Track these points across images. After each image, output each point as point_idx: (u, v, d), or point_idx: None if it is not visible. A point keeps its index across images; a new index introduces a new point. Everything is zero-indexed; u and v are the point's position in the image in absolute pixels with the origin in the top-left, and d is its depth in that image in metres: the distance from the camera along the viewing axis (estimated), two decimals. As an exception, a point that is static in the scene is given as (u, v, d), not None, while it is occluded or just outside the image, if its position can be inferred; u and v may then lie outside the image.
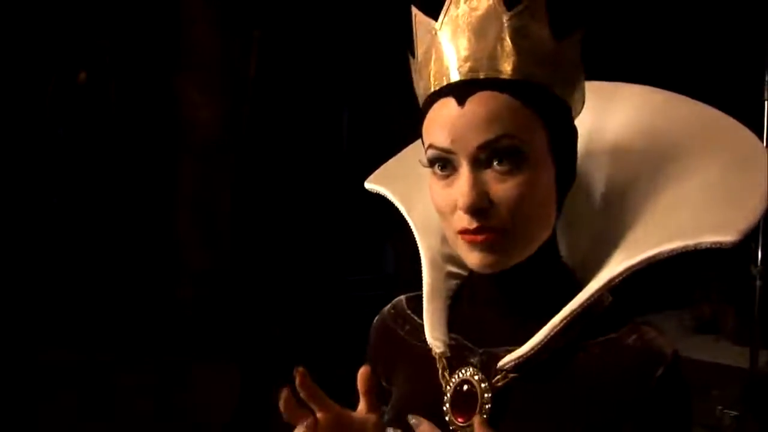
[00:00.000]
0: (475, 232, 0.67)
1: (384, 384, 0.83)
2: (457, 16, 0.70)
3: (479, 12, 0.69)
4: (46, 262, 3.31)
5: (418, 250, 0.85)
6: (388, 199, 0.93)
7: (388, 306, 0.88)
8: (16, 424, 2.77)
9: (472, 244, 0.68)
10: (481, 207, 0.66)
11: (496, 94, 0.67)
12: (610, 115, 0.82)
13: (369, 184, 0.95)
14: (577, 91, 0.74)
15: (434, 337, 0.76)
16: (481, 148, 0.66)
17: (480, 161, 0.67)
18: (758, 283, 2.29)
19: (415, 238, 0.86)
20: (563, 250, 0.78)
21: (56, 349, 3.09)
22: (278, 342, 3.59)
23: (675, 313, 3.31)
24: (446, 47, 0.70)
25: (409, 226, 0.87)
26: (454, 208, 0.68)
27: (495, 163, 0.67)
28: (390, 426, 0.77)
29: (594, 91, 0.79)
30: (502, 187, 0.67)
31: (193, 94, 3.48)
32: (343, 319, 4.07)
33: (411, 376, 0.80)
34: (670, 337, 0.71)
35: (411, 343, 0.81)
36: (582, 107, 0.76)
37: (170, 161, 3.53)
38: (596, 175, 0.80)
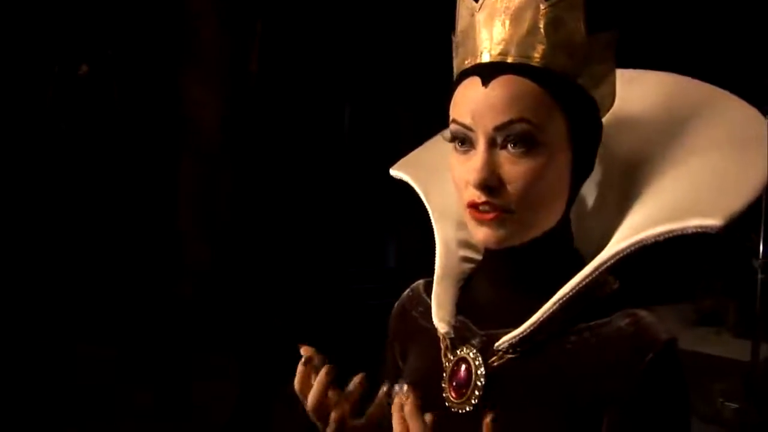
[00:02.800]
0: (482, 210, 0.70)
1: (399, 363, 0.87)
2: (497, 0, 0.72)
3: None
4: (47, 257, 3.31)
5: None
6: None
7: (407, 290, 0.91)
8: (14, 419, 2.78)
9: (479, 221, 0.71)
10: (489, 185, 0.69)
11: (520, 78, 0.69)
12: (625, 100, 0.83)
13: (393, 171, 0.98)
14: (605, 86, 0.75)
15: (440, 317, 0.78)
16: (498, 129, 0.69)
17: (496, 141, 0.70)
18: (760, 276, 2.28)
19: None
20: (579, 239, 0.79)
21: (56, 344, 3.10)
22: (278, 336, 3.60)
23: (677, 306, 3.32)
24: (482, 29, 0.72)
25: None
26: (468, 183, 0.71)
27: (510, 146, 0.69)
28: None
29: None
30: (513, 169, 0.69)
31: (196, 88, 3.47)
32: (344, 311, 4.09)
33: (419, 355, 0.83)
34: (670, 326, 0.71)
35: (422, 324, 0.83)
36: (611, 103, 0.77)
37: (171, 156, 3.53)
38: (610, 161, 0.80)
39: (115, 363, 3.11)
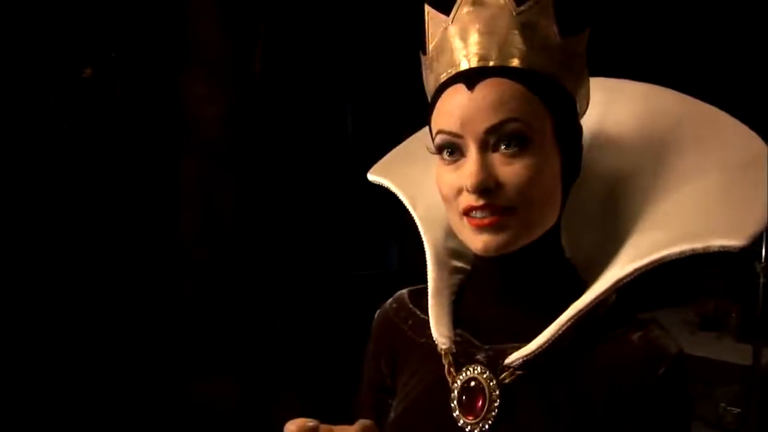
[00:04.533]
0: (482, 214, 0.68)
1: (388, 381, 0.83)
2: (469, 11, 0.71)
3: (490, 7, 0.71)
4: (50, 258, 3.31)
5: (424, 247, 0.84)
6: (392, 195, 0.92)
7: (390, 300, 0.88)
8: (15, 419, 2.78)
9: (478, 228, 0.69)
10: (487, 187, 0.67)
11: (505, 80, 0.68)
12: (612, 110, 0.83)
13: (372, 176, 0.95)
14: (582, 88, 0.75)
15: (440, 333, 0.76)
16: (489, 131, 0.68)
17: (488, 145, 0.69)
18: (762, 280, 2.28)
19: (419, 233, 0.85)
20: (567, 247, 0.78)
21: (57, 344, 3.11)
22: (281, 337, 3.60)
23: (679, 310, 3.32)
24: (457, 40, 0.72)
25: (414, 221, 0.87)
26: (460, 192, 0.69)
27: (502, 147, 0.68)
28: (397, 423, 0.77)
29: (597, 87, 0.80)
30: (509, 169, 0.68)
31: (198, 89, 3.48)
32: (346, 314, 4.09)
33: (417, 372, 0.79)
34: (675, 335, 0.71)
35: (415, 339, 0.81)
36: (587, 105, 0.77)
37: (174, 157, 3.53)
38: (598, 172, 0.80)
39: (116, 363, 3.12)
